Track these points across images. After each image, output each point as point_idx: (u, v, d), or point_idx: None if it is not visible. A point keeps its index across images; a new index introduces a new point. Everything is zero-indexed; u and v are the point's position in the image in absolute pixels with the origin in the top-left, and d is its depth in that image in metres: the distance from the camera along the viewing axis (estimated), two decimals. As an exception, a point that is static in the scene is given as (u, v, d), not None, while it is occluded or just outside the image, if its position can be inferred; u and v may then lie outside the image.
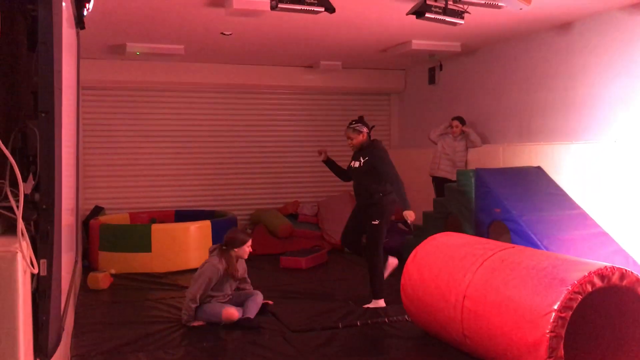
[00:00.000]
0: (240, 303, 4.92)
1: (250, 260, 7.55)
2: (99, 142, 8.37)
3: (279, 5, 4.60)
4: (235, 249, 4.91)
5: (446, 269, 4.13)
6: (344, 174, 5.60)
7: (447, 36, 6.88)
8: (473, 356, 3.91)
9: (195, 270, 5.03)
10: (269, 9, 4.73)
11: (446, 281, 4.05)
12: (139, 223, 7.91)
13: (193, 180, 8.87)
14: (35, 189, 1.97)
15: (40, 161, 1.94)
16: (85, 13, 3.91)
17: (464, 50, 7.54)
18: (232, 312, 4.73)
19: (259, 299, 5.01)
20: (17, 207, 1.83)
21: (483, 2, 4.86)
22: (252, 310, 4.84)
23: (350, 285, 6.09)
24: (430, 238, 4.66)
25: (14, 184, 1.85)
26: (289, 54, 7.95)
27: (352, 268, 6.98)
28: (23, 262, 1.81)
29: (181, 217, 8.25)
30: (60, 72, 2.05)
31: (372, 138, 5.43)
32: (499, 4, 4.86)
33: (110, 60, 7.91)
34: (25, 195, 1.86)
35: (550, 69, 6.59)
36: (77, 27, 4.07)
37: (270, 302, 5.17)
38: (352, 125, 5.38)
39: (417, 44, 7.14)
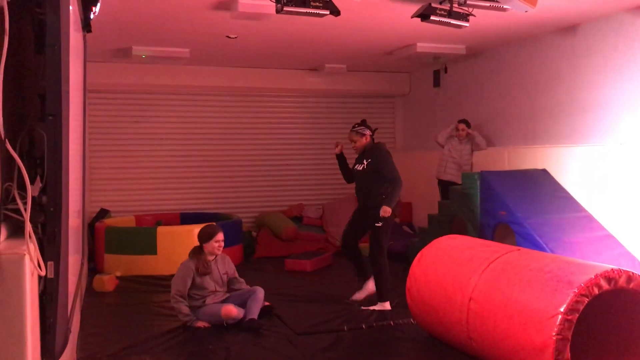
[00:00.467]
0: (242, 303, 4.91)
1: (255, 263, 7.63)
2: (105, 145, 8.40)
3: (284, 9, 4.61)
4: (204, 245, 4.91)
5: (451, 271, 4.13)
6: (349, 174, 5.59)
7: (452, 39, 6.87)
8: (479, 359, 3.89)
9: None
10: (274, 12, 4.74)
11: (452, 284, 4.05)
12: (145, 226, 7.92)
13: (198, 183, 8.88)
14: (43, 191, 1.98)
15: (47, 164, 1.95)
16: (92, 16, 3.93)
17: (469, 52, 7.53)
18: (230, 309, 4.74)
19: (259, 295, 4.99)
20: (25, 209, 1.83)
21: (488, 4, 4.85)
22: (255, 311, 4.84)
23: (355, 288, 6.07)
24: (435, 241, 4.65)
25: (22, 187, 1.86)
26: (293, 57, 7.96)
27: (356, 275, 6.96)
28: (30, 264, 1.82)
29: (186, 219, 8.26)
30: (67, 75, 2.07)
31: (375, 141, 5.44)
32: (504, 6, 4.85)
33: (116, 64, 7.94)
34: (32, 197, 1.87)
35: (556, 72, 6.58)
36: (83, 30, 4.10)
37: (267, 303, 5.14)
38: (355, 129, 5.40)
39: (422, 46, 7.14)
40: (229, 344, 4.38)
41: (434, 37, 6.81)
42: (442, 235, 4.84)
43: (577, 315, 3.22)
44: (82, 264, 4.29)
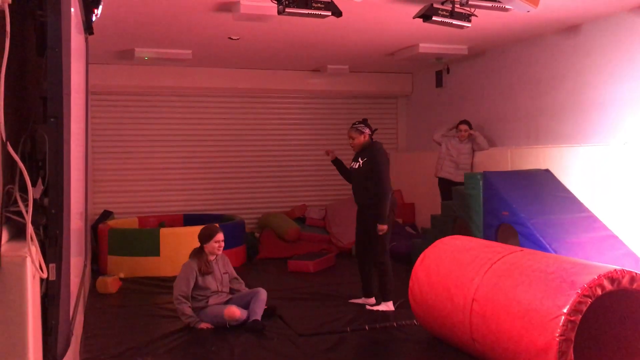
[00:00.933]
0: (245, 305, 4.92)
1: (258, 264, 7.64)
2: (107, 147, 8.42)
3: (285, 10, 4.62)
4: (205, 245, 4.94)
5: (454, 272, 4.12)
6: (350, 175, 5.60)
7: (454, 39, 6.87)
8: (482, 360, 3.89)
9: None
10: (276, 13, 4.74)
11: (454, 284, 4.04)
12: (148, 227, 7.93)
13: (201, 185, 8.89)
14: (45, 193, 1.98)
15: (49, 166, 1.95)
16: (94, 19, 3.94)
17: (471, 53, 7.52)
18: (234, 311, 4.75)
19: (262, 296, 4.99)
20: (27, 211, 1.84)
21: (490, 4, 4.85)
22: (258, 312, 4.85)
23: (358, 289, 6.06)
24: (438, 241, 4.64)
25: (24, 189, 1.86)
26: (296, 58, 7.97)
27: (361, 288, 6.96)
28: (32, 267, 1.82)
29: (190, 221, 8.27)
30: (68, 77, 2.07)
31: (374, 140, 5.43)
32: (506, 6, 4.85)
33: (119, 66, 7.96)
34: (34, 200, 1.87)
35: (558, 72, 6.57)
36: (85, 32, 4.10)
37: (265, 306, 5.13)
38: (354, 125, 5.42)
39: (425, 47, 7.14)
40: (232, 345, 4.38)
41: (436, 38, 6.80)
42: (444, 236, 4.83)
43: (580, 316, 3.21)
44: (85, 265, 4.29)
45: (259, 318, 4.80)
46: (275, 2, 4.67)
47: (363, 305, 5.39)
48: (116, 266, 6.89)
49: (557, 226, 5.47)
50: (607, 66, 5.96)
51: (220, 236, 4.95)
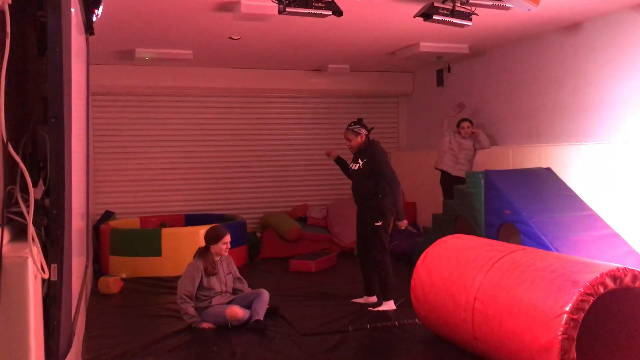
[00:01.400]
0: (247, 305, 4.92)
1: (259, 263, 7.64)
2: (109, 147, 8.42)
3: (286, 9, 4.61)
4: (211, 246, 4.94)
5: (456, 271, 4.12)
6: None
7: (455, 38, 6.86)
8: (484, 359, 3.88)
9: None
10: (277, 13, 4.74)
11: (456, 283, 4.04)
12: (149, 227, 7.94)
13: (202, 185, 8.89)
14: (46, 194, 1.97)
15: (50, 166, 1.95)
16: (94, 19, 3.93)
17: (472, 52, 7.51)
18: (236, 311, 4.75)
19: (265, 297, 5.00)
20: (28, 212, 1.83)
21: (491, 3, 4.84)
22: (260, 312, 4.85)
23: (360, 288, 6.07)
24: (440, 240, 4.64)
25: (25, 190, 1.86)
26: (296, 58, 7.96)
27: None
28: (34, 267, 1.82)
29: (191, 221, 8.27)
30: (69, 77, 2.06)
31: (371, 139, 5.43)
32: (507, 5, 4.84)
33: (120, 66, 7.96)
34: (35, 200, 1.87)
35: (559, 70, 6.56)
36: (86, 33, 4.10)
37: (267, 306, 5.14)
38: (350, 127, 5.41)
39: (425, 46, 7.14)
40: (234, 345, 4.38)
41: (437, 37, 6.80)
42: (446, 235, 4.83)
43: (583, 314, 3.21)
44: (86, 266, 4.29)
45: (261, 318, 4.80)
46: (276, 1, 4.66)
47: (365, 304, 5.39)
48: (118, 266, 6.90)
49: (559, 225, 5.47)
50: (608, 64, 5.95)
51: (227, 238, 4.98)
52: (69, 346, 2.24)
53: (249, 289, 5.17)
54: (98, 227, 7.43)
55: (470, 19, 5.08)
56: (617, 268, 3.30)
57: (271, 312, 5.04)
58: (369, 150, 5.30)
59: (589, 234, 5.45)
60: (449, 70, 8.55)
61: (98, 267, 7.17)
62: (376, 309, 5.20)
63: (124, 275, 6.63)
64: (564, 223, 5.51)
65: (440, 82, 8.74)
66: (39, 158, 2.11)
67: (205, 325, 4.77)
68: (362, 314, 5.09)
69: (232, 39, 6.66)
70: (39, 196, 1.96)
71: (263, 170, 9.18)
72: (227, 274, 5.04)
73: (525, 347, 3.37)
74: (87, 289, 5.42)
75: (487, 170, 6.18)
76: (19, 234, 2.00)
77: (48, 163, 1.96)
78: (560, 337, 3.18)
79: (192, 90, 8.63)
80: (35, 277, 1.85)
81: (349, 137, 5.40)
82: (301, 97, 9.38)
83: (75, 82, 2.44)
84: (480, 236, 5.70)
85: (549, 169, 6.40)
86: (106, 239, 7.09)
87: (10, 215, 1.91)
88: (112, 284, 6.16)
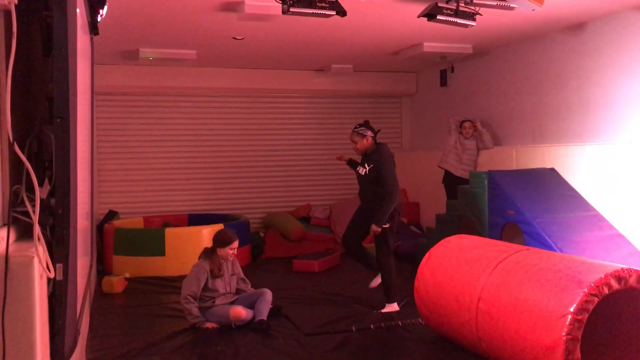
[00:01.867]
0: (250, 305, 4.93)
1: (263, 263, 7.64)
2: (113, 147, 8.44)
3: (290, 10, 4.61)
4: (218, 249, 4.94)
5: (460, 271, 4.11)
6: None
7: (458, 38, 6.85)
8: (488, 359, 3.88)
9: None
10: (281, 13, 4.74)
11: (460, 284, 4.03)
12: (153, 227, 7.95)
13: (206, 184, 8.91)
14: (51, 193, 1.98)
15: (55, 166, 1.95)
16: (99, 19, 3.94)
17: (475, 52, 7.51)
18: (239, 311, 4.76)
19: (268, 297, 5.00)
20: (34, 212, 1.84)
21: (495, 3, 4.84)
22: (264, 312, 4.86)
23: (363, 288, 6.07)
24: (443, 241, 4.63)
25: (30, 189, 1.87)
26: (300, 58, 7.97)
27: (365, 271, 6.96)
28: (39, 267, 1.82)
29: (194, 221, 8.28)
30: (75, 77, 2.07)
31: (378, 142, 5.34)
32: (511, 5, 4.83)
33: (124, 66, 7.98)
34: (41, 200, 1.87)
35: (564, 70, 6.55)
36: (91, 33, 4.10)
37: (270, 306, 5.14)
38: (356, 129, 5.33)
39: (429, 46, 7.13)
40: (237, 345, 4.39)
41: (440, 37, 6.79)
42: (450, 235, 4.82)
43: (587, 315, 3.20)
44: (91, 265, 4.30)
45: (265, 318, 4.80)
46: (280, 1, 4.66)
47: (375, 288, 5.36)
48: (121, 266, 6.91)
49: (563, 225, 5.46)
50: (612, 64, 5.94)
51: (236, 244, 4.98)
52: (75, 345, 2.25)
53: (252, 289, 5.18)
54: (102, 227, 7.44)
55: (474, 19, 5.08)
56: (622, 268, 3.30)
57: (274, 311, 5.04)
58: (376, 155, 5.24)
59: (593, 234, 5.44)
60: (452, 71, 8.54)
61: (102, 266, 7.19)
62: (380, 311, 5.19)
63: (127, 275, 6.64)
64: (568, 223, 5.50)
65: (443, 82, 8.73)
66: (45, 158, 2.12)
67: (209, 325, 4.78)
68: (366, 314, 5.09)
69: (236, 39, 6.67)
70: (44, 196, 1.96)
71: (266, 170, 9.19)
72: (232, 274, 5.04)
73: (529, 347, 3.37)
74: (92, 289, 5.43)
75: (491, 171, 6.17)
76: (25, 234, 2.00)
77: (53, 163, 1.96)
78: (564, 338, 3.17)
79: (196, 90, 8.64)
80: (41, 276, 1.86)
81: (354, 139, 5.31)
82: (304, 97, 9.39)
83: (80, 82, 2.44)
84: (484, 236, 5.70)
85: (552, 169, 6.39)
86: (110, 238, 7.11)
87: (16, 215, 1.92)
88: (116, 283, 6.17)
